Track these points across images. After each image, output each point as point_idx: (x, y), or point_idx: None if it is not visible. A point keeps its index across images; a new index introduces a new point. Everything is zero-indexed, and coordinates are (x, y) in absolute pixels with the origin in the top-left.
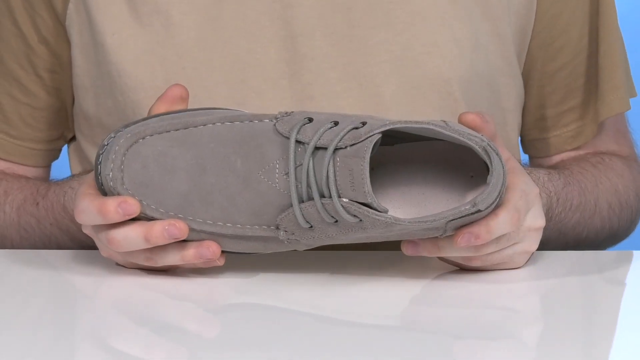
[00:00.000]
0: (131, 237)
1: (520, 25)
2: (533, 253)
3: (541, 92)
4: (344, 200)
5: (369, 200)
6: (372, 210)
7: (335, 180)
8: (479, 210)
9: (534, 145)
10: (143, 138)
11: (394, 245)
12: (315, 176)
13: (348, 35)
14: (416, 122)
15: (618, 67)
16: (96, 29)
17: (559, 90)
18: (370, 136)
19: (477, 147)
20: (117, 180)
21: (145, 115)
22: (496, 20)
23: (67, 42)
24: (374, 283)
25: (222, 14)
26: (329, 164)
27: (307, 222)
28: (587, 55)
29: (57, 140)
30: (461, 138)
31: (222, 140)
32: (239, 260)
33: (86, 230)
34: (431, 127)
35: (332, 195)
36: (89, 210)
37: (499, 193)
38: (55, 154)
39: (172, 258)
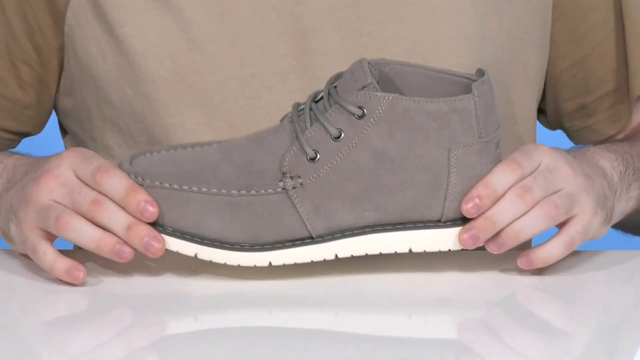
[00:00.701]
0: (119, 215)
1: (537, 16)
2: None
3: (573, 80)
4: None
5: (368, 81)
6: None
7: (336, 87)
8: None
9: (582, 135)
10: (151, 153)
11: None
12: (317, 104)
13: (358, 30)
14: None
15: None
16: (106, 19)
17: (592, 76)
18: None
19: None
20: (125, 166)
21: (152, 104)
22: (502, 14)
23: (57, 37)
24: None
25: (231, 9)
26: (329, 85)
27: (312, 148)
28: (615, 39)
29: (18, 134)
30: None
31: (231, 142)
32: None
33: (67, 174)
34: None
35: (332, 94)
36: (118, 180)
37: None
38: (11, 145)
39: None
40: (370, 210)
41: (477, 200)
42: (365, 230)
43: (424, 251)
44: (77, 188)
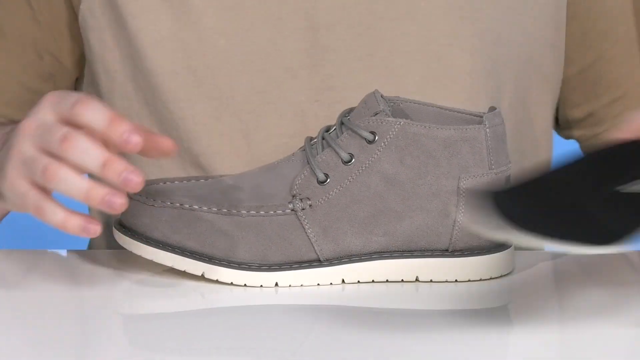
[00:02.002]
0: (93, 153)
1: (551, 17)
2: None
3: (584, 85)
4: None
5: (380, 108)
6: (384, 117)
7: (349, 116)
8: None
9: (592, 146)
10: (164, 182)
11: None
12: (330, 134)
13: (371, 27)
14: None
15: None
16: (119, 10)
17: (601, 80)
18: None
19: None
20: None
21: (163, 96)
22: (518, 13)
23: (74, 26)
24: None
25: (243, 2)
26: (341, 116)
27: (322, 172)
28: (627, 45)
29: None
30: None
31: (244, 173)
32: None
33: (36, 120)
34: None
35: (345, 122)
36: (99, 110)
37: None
38: None
39: (91, 161)
40: (378, 235)
41: None
42: (373, 256)
43: (431, 280)
44: (48, 127)
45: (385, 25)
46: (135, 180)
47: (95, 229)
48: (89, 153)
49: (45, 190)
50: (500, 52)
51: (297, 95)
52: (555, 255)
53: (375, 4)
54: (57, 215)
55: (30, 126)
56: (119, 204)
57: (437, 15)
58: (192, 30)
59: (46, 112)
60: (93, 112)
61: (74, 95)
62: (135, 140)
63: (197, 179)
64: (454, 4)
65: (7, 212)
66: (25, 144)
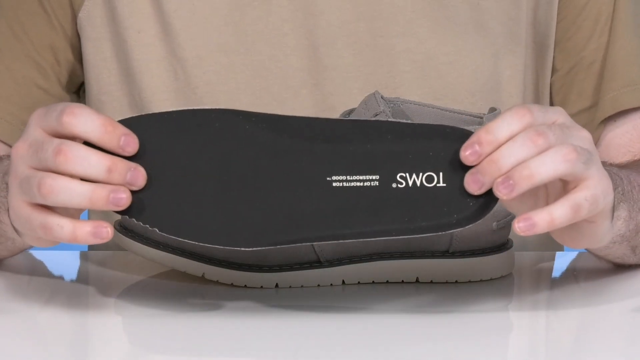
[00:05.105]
0: (94, 160)
1: (542, 33)
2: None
3: (561, 92)
4: None
5: (381, 109)
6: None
7: (349, 117)
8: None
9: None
10: None
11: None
12: None
13: (371, 45)
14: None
15: (634, 63)
16: (121, 24)
17: (573, 89)
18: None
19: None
20: None
21: None
22: (522, 21)
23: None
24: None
25: (244, 19)
26: (341, 117)
27: None
28: (598, 57)
29: None
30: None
31: None
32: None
33: (23, 147)
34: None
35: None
36: (90, 118)
37: None
38: None
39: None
40: None
41: (476, 147)
42: (373, 257)
43: (431, 281)
44: (39, 144)
45: (385, 42)
46: (142, 175)
47: (108, 232)
48: (90, 160)
49: (48, 209)
50: (500, 67)
51: (298, 115)
52: (555, 256)
53: (376, 21)
54: (64, 228)
55: (22, 147)
56: (125, 199)
57: (438, 32)
58: (192, 46)
59: (34, 129)
60: (84, 121)
61: (59, 105)
62: (133, 144)
63: None
64: (454, 21)
65: (28, 247)
66: (19, 167)
